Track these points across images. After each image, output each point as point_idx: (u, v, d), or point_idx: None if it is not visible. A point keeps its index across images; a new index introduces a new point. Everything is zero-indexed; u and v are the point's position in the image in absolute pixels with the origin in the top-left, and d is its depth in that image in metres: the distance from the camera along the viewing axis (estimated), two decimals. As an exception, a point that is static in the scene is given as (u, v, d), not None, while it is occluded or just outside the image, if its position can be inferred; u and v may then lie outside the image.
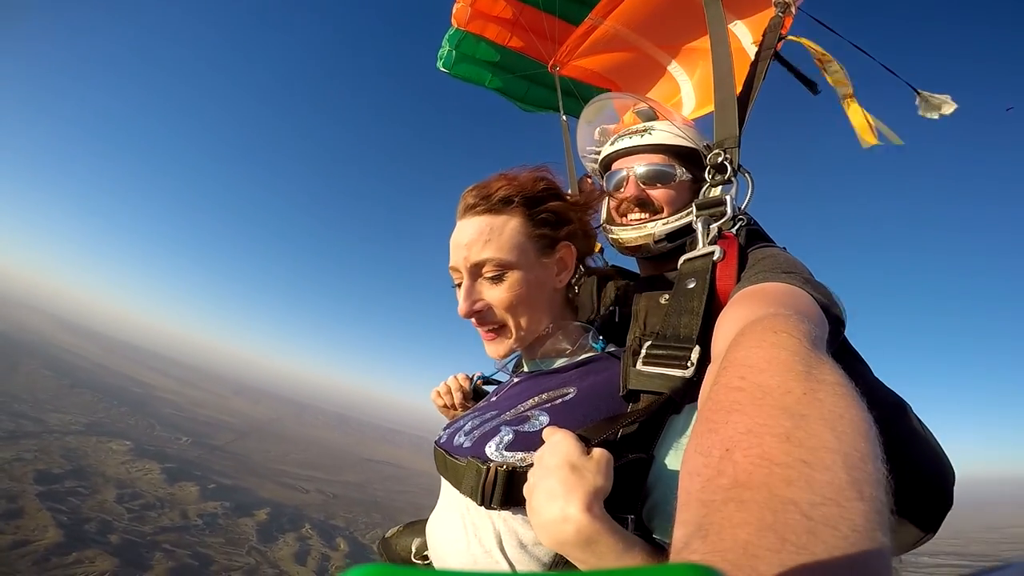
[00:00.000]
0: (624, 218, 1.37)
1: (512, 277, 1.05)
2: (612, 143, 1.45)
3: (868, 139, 1.55)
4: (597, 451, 0.76)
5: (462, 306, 1.07)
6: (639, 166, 1.35)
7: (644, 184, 1.34)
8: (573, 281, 1.20)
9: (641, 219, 1.33)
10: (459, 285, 1.10)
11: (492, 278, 1.06)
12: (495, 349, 1.11)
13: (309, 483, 52.18)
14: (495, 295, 1.06)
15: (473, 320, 1.10)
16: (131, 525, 24.19)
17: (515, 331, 1.08)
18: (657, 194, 1.33)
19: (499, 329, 1.09)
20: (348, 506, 47.29)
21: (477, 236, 1.06)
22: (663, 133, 1.37)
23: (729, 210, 1.13)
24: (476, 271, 1.07)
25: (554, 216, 1.12)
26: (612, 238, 1.35)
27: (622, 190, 1.37)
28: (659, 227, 1.28)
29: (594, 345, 1.11)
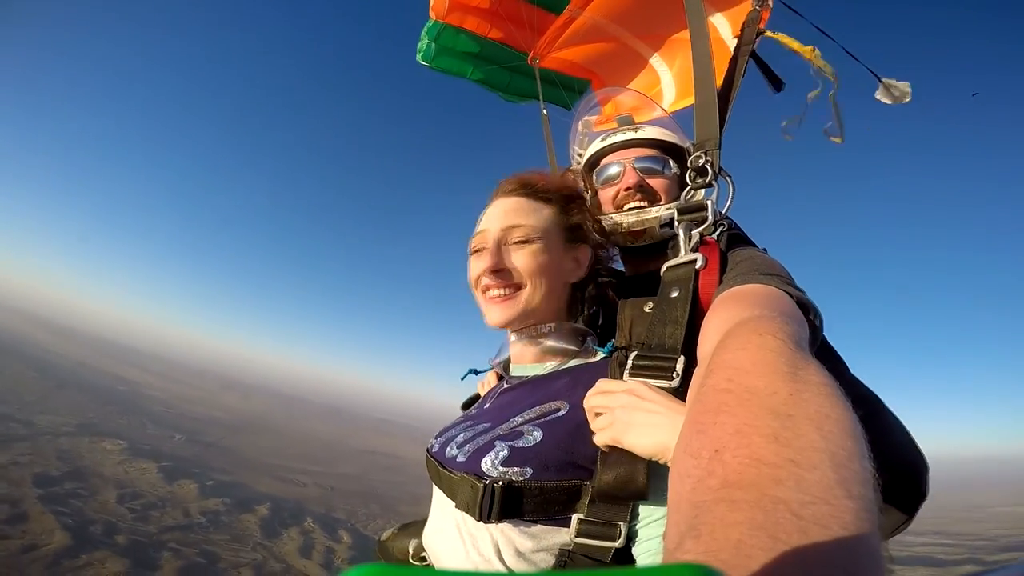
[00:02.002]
0: (622, 208, 1.36)
1: (537, 245, 1.13)
2: (603, 139, 1.44)
3: (839, 139, 1.62)
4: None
5: (489, 261, 1.10)
6: (636, 159, 1.37)
7: (643, 174, 1.36)
8: (587, 294, 1.24)
9: (643, 206, 1.32)
10: (479, 251, 1.16)
11: (519, 242, 1.13)
12: (502, 312, 1.11)
13: (306, 476, 51.88)
14: (519, 258, 1.12)
15: (487, 281, 1.12)
16: (136, 525, 23.96)
17: (527, 296, 1.11)
18: (654, 183, 1.35)
19: (514, 292, 1.12)
20: (347, 498, 47.23)
21: (515, 208, 1.16)
22: (654, 129, 1.41)
23: (711, 215, 1.14)
24: (505, 237, 1.13)
25: (580, 219, 1.23)
26: (613, 223, 1.31)
27: (618, 181, 1.37)
28: (663, 211, 1.27)
29: (597, 348, 1.13)
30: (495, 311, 1.12)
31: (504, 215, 1.15)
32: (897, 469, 1.04)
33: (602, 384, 0.93)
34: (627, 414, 0.83)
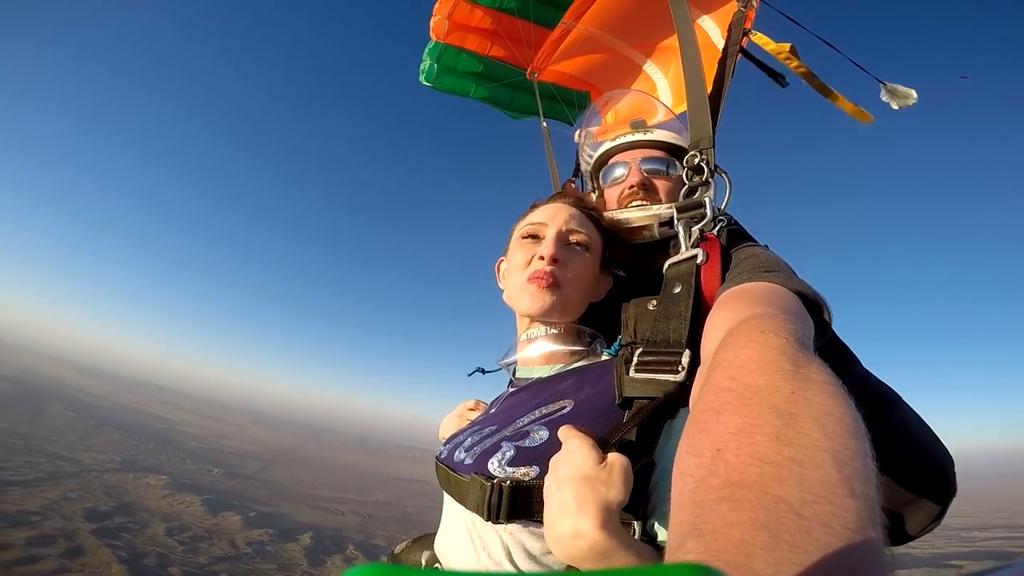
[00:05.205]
0: (626, 206, 1.38)
1: (589, 257, 1.21)
2: (614, 140, 1.50)
3: (864, 117, 1.59)
4: (613, 457, 0.73)
5: (553, 248, 1.15)
6: (642, 159, 1.41)
7: (648, 174, 1.40)
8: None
9: (645, 204, 1.35)
10: (534, 236, 1.21)
11: (578, 246, 1.20)
12: (543, 298, 1.13)
13: (343, 505, 51.94)
14: (575, 260, 1.18)
15: (542, 267, 1.14)
16: (186, 557, 23.83)
17: (566, 296, 1.15)
18: (659, 183, 1.39)
19: (557, 286, 1.14)
20: (385, 525, 47.01)
21: (578, 216, 1.23)
22: (663, 132, 1.46)
23: (709, 211, 1.16)
24: (566, 237, 1.19)
25: (616, 254, 1.31)
26: (617, 218, 1.32)
27: (623, 180, 1.42)
28: (664, 209, 1.27)
29: (605, 351, 1.17)
30: (538, 294, 1.13)
31: (569, 218, 1.21)
32: (919, 467, 1.03)
33: (558, 457, 0.78)
34: (555, 496, 0.72)
